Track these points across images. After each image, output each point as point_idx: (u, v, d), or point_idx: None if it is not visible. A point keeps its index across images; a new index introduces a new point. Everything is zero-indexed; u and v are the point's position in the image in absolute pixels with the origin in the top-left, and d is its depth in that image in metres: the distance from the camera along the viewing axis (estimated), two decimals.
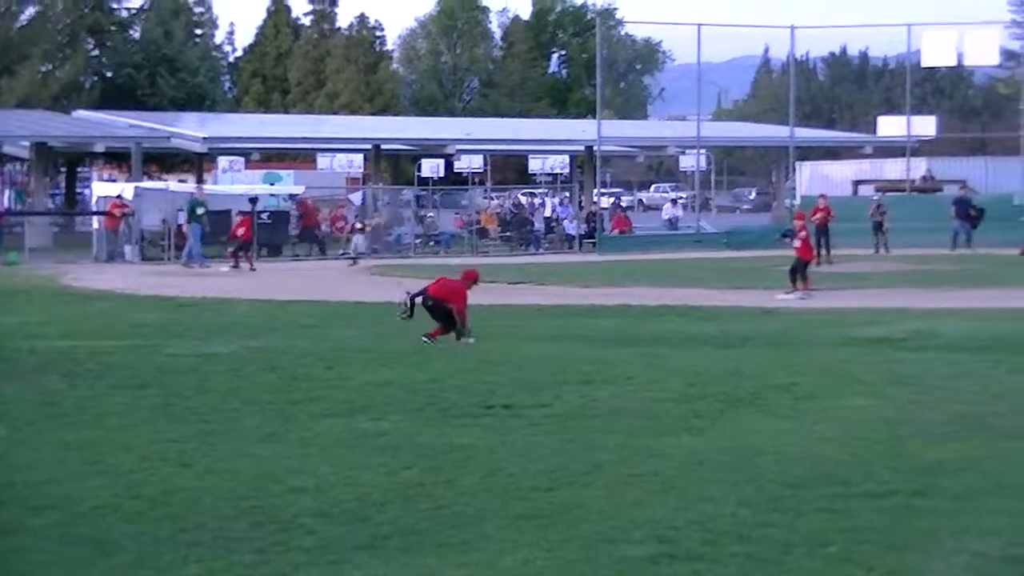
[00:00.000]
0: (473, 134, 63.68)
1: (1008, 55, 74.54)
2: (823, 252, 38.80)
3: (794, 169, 60.17)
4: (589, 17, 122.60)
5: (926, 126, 61.01)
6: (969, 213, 47.75)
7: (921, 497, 10.50)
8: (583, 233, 53.03)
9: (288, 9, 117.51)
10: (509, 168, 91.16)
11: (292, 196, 51.73)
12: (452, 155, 68.27)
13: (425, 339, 20.92)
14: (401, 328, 21.34)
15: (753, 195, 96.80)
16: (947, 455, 12.03)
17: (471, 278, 22.09)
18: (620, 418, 14.26)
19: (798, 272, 30.09)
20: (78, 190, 76.01)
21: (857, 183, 58.67)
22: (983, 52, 57.27)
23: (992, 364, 17.99)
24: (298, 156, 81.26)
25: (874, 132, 63.84)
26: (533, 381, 16.72)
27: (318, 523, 9.90)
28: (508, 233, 55.03)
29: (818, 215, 40.61)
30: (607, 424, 13.91)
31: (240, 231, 41.71)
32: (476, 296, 22.12)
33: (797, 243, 30.40)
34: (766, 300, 28.56)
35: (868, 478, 11.14)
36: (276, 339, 21.87)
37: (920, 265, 39.29)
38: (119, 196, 46.16)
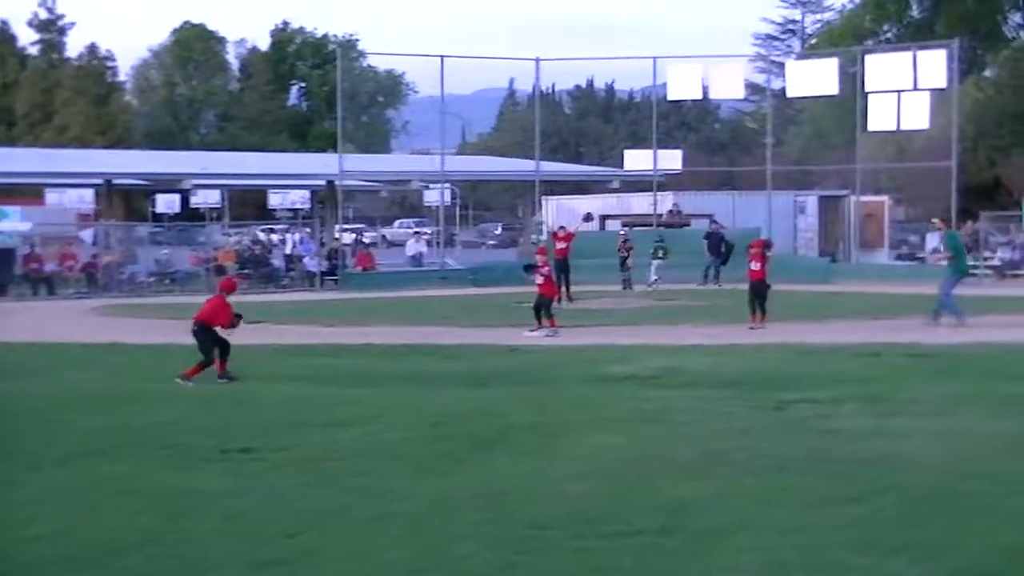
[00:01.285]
0: (210, 168, 62.63)
1: (753, 88, 76.32)
2: (563, 289, 38.61)
3: (540, 204, 60.50)
4: (330, 48, 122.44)
5: (672, 160, 61.61)
6: (720, 248, 48.27)
7: (668, 535, 10.46)
8: (325, 270, 52.47)
9: (14, 38, 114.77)
10: (248, 203, 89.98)
11: None
12: (188, 190, 67.16)
13: (179, 380, 20.50)
14: (133, 370, 20.84)
15: (499, 230, 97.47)
16: (694, 492, 12.02)
17: (226, 288, 22.02)
18: (364, 459, 13.99)
19: (542, 309, 30.14)
20: None
21: (604, 218, 59.11)
22: (728, 86, 57.59)
23: (735, 400, 18.16)
24: (25, 192, 79.08)
25: (621, 166, 64.40)
26: (274, 423, 16.35)
27: (55, 570, 9.64)
28: (247, 270, 54.13)
29: (560, 244, 40.65)
30: (351, 466, 13.63)
31: None
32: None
33: (539, 279, 30.44)
34: (512, 338, 28.56)
35: (615, 517, 11.06)
36: (4, 383, 21.07)
37: (667, 300, 39.73)
38: None
